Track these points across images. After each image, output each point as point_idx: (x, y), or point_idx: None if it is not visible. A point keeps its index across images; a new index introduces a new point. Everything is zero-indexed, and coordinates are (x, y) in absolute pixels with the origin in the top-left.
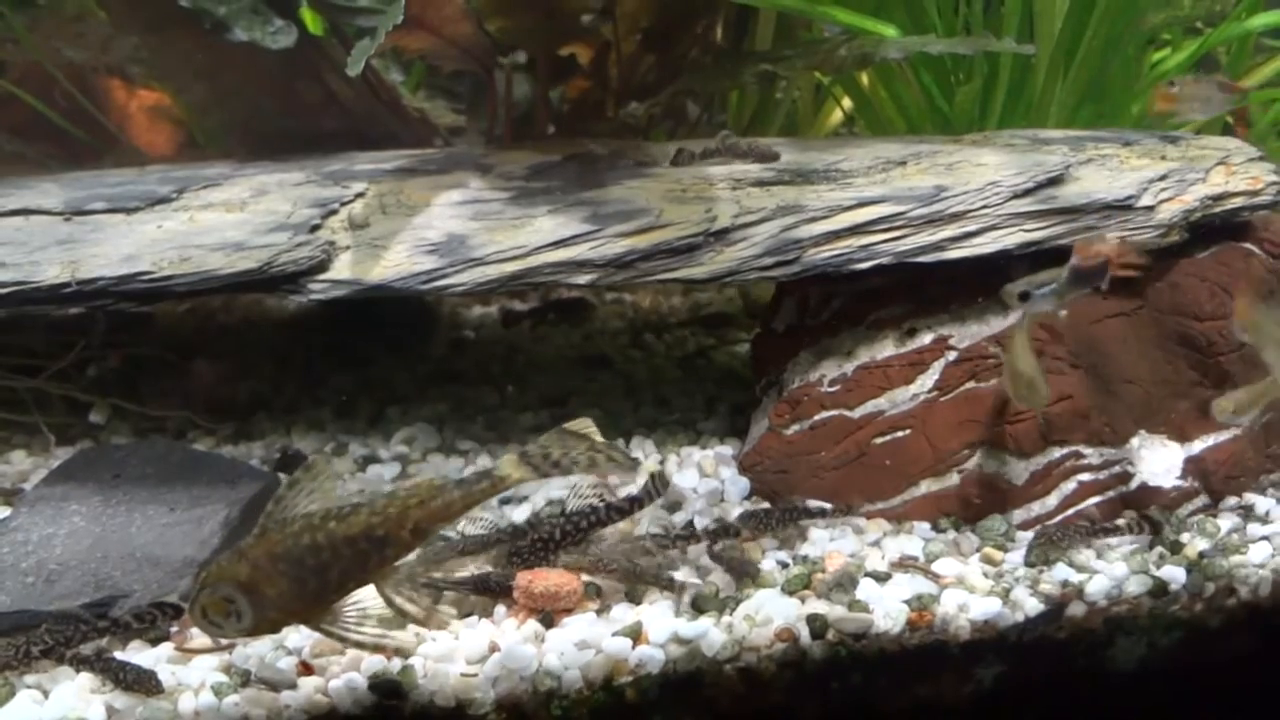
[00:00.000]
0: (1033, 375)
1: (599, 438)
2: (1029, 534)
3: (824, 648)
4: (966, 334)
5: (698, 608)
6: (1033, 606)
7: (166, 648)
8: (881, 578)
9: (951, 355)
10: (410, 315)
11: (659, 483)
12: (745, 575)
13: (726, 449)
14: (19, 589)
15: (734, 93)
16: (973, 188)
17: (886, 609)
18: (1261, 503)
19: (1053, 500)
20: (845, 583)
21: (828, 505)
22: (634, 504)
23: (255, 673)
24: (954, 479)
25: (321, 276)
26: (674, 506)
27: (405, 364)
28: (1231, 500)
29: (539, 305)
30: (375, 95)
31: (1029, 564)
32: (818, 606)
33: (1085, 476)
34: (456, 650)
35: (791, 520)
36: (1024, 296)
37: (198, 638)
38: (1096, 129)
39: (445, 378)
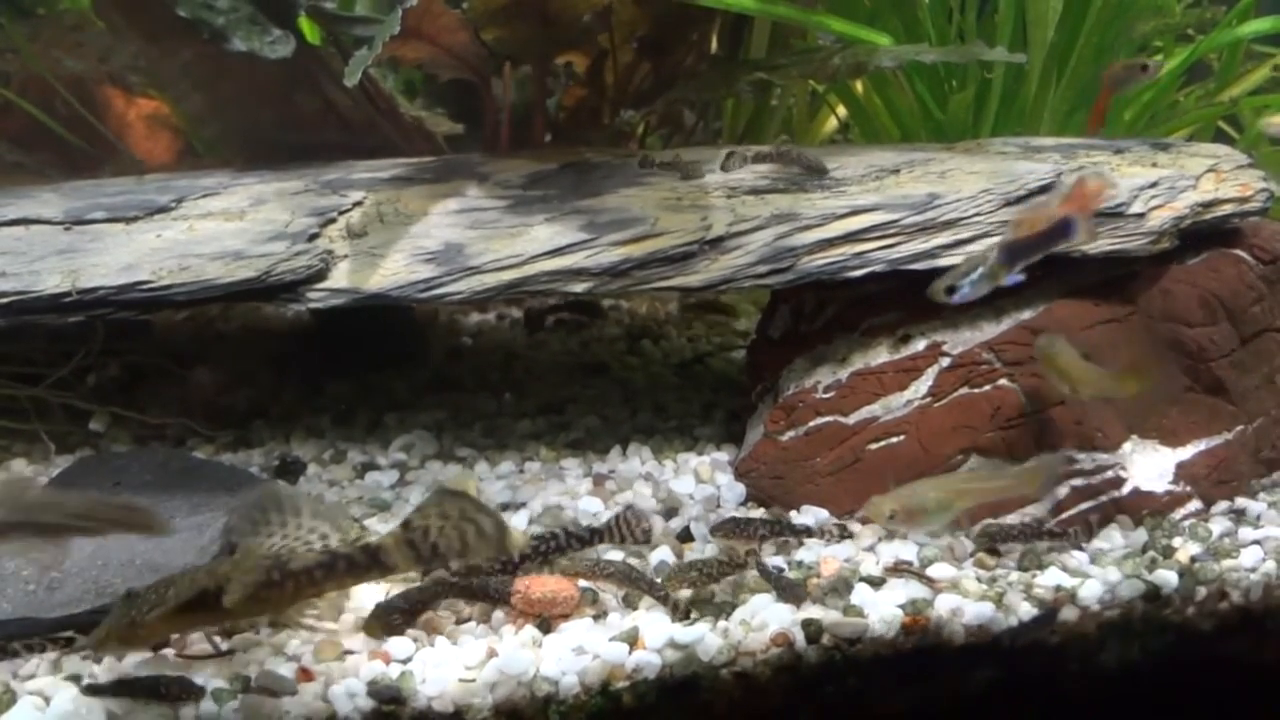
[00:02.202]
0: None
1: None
2: None
3: (819, 652)
4: (960, 340)
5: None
6: (1026, 611)
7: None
8: (876, 583)
9: (945, 361)
10: (403, 327)
11: (632, 523)
12: (798, 599)
13: (723, 455)
14: (20, 596)
15: (729, 100)
16: (965, 195)
17: (881, 613)
18: (1253, 507)
19: (1045, 505)
20: (840, 588)
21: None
22: (594, 535)
23: (255, 679)
24: None
25: (320, 285)
26: (671, 512)
27: (403, 372)
28: (1223, 504)
29: (553, 304)
30: (373, 104)
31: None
32: (813, 611)
33: (1078, 481)
34: (455, 656)
35: (780, 534)
36: (950, 291)
37: (198, 644)
38: (1088, 136)
39: (443, 385)
